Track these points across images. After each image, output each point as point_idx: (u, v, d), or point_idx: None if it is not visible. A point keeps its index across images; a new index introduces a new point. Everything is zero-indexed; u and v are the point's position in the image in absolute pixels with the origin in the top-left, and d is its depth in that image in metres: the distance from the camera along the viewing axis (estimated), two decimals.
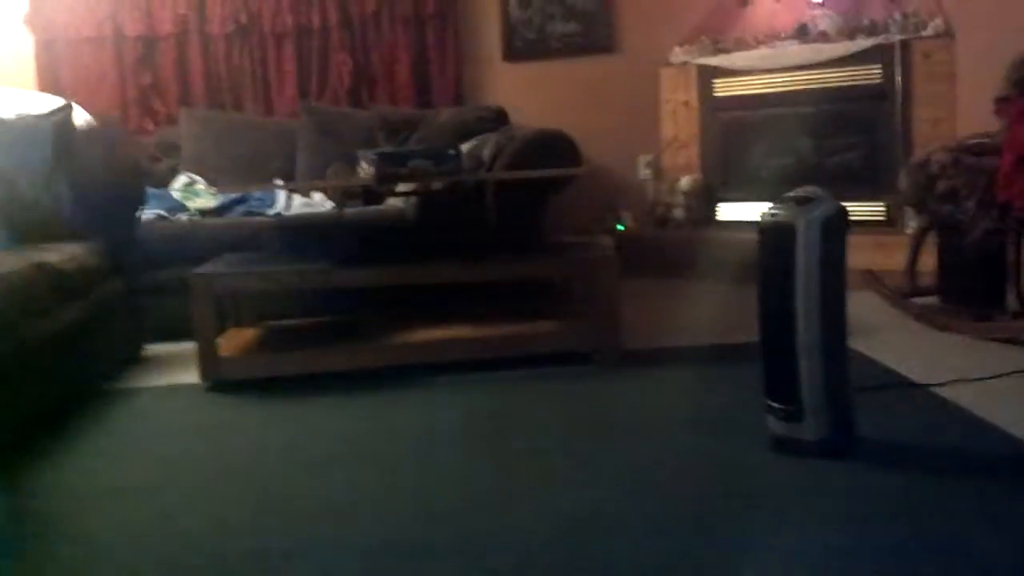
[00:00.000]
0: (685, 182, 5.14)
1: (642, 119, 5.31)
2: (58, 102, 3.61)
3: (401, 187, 3.81)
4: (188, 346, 3.15)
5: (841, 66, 4.73)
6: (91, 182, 3.44)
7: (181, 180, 4.47)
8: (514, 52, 5.47)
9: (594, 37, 5.44)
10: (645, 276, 4.47)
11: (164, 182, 4.48)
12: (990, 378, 2.77)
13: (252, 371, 3.17)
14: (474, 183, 3.64)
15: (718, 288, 4.14)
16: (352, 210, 4.09)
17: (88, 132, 4.35)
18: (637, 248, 4.69)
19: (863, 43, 4.67)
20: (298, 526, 1.99)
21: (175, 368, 3.38)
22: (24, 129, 3.44)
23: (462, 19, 5.41)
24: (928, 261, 3.78)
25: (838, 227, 2.21)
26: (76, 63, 5.12)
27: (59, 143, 3.47)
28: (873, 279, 3.92)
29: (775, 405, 2.25)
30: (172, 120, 5.05)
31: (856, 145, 4.79)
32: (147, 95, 5.20)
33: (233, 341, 3.38)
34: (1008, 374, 2.80)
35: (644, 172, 5.31)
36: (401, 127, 4.88)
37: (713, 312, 3.67)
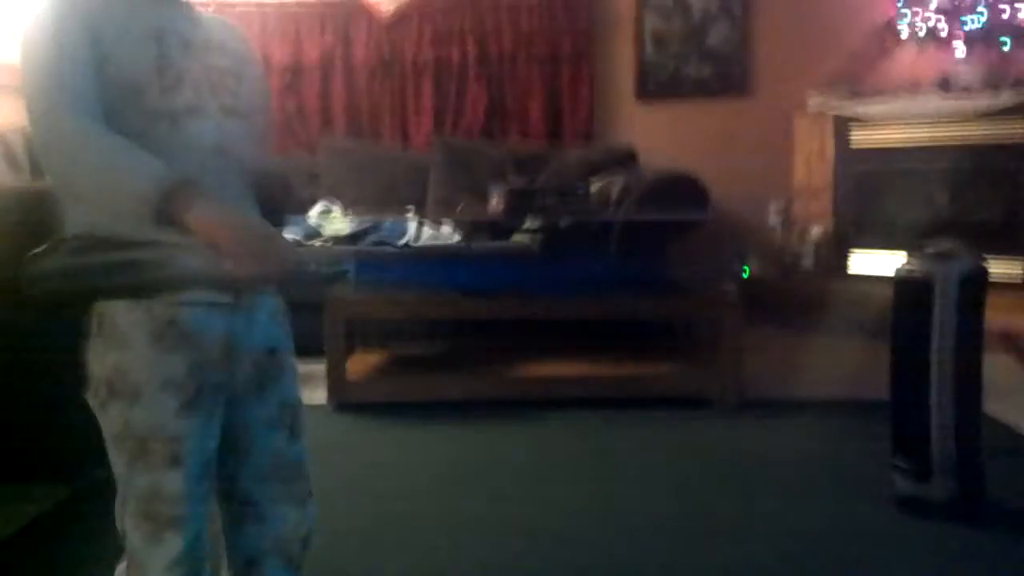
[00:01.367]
0: (815, 231, 5.06)
1: (775, 165, 5.25)
2: None
3: (529, 223, 3.86)
4: (317, 367, 3.25)
5: (983, 120, 4.61)
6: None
7: (318, 207, 4.60)
8: (647, 92, 5.48)
9: (728, 79, 5.41)
10: (770, 325, 4.40)
11: (302, 208, 4.61)
12: None
13: (376, 394, 3.25)
14: (601, 222, 3.67)
15: (846, 341, 4.05)
16: (480, 244, 4.15)
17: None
18: (763, 296, 4.63)
19: (1007, 98, 4.54)
20: (409, 549, 2.03)
21: (305, 387, 3.45)
22: None
23: (597, 59, 5.46)
24: None
25: (977, 284, 2.17)
26: None
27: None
28: (1009, 341, 3.79)
29: (903, 464, 2.20)
30: (312, 147, 5.21)
31: (996, 202, 4.65)
32: (291, 121, 5.38)
33: (360, 364, 3.46)
34: None
35: (774, 219, 5.25)
36: (531, 163, 4.94)
37: (839, 365, 3.59)
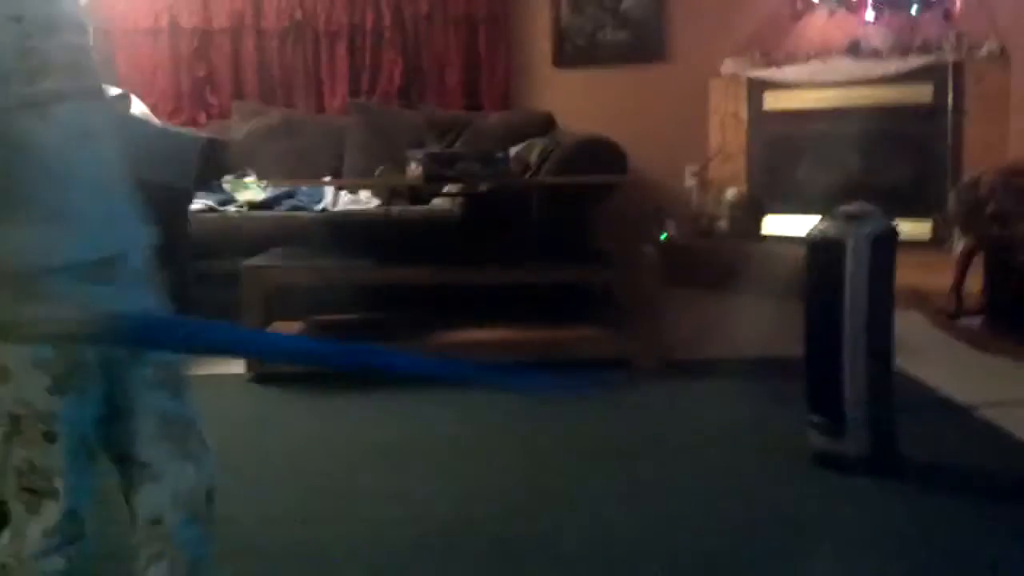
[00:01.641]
0: (731, 194, 5.12)
1: (690, 129, 5.30)
2: (115, 91, 3.67)
3: (448, 188, 3.84)
4: None
5: (892, 84, 4.71)
6: (144, 171, 3.49)
7: (232, 174, 4.53)
8: (564, 58, 5.48)
9: (645, 46, 5.43)
10: (689, 287, 4.46)
11: (215, 175, 4.53)
12: None
13: (295, 365, 3.20)
14: (520, 187, 3.66)
15: (762, 301, 4.12)
16: (398, 209, 4.13)
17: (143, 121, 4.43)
18: (681, 258, 4.68)
19: (915, 61, 4.64)
20: (337, 521, 2.02)
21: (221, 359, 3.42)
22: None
23: (514, 23, 5.43)
24: (974, 282, 3.75)
25: (888, 244, 2.21)
26: (132, 54, 5.19)
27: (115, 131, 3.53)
28: (919, 299, 3.90)
29: (818, 419, 2.25)
30: (225, 114, 5.11)
31: (905, 163, 4.76)
32: (201, 88, 5.26)
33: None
34: None
35: (690, 182, 5.30)
36: (449, 128, 4.91)
37: (756, 325, 3.65)
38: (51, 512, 1.26)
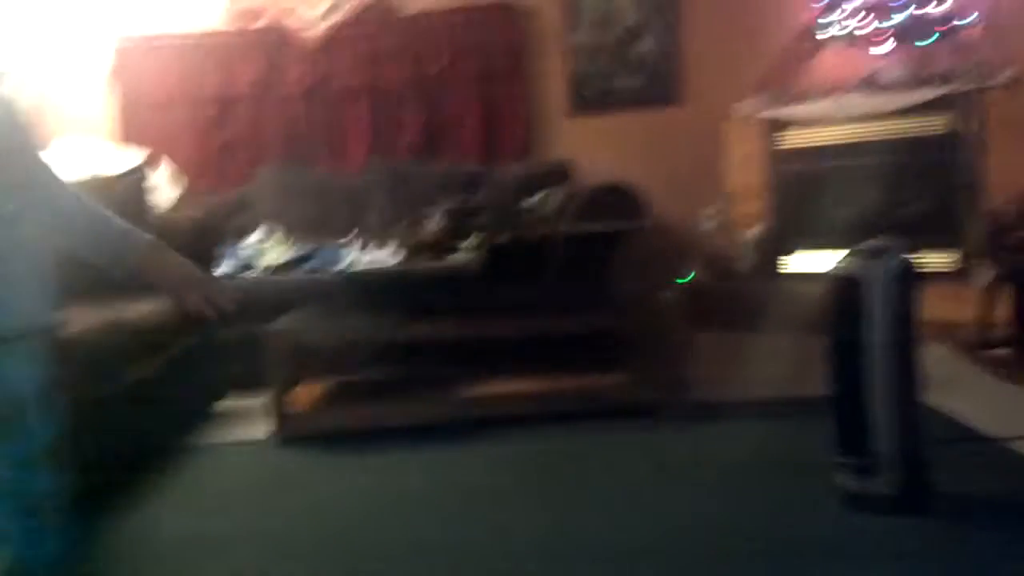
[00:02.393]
0: (751, 234, 5.11)
1: (707, 171, 5.30)
2: (138, 157, 3.72)
3: (467, 242, 3.85)
4: (258, 400, 3.21)
5: (909, 116, 4.70)
6: (168, 238, 3.53)
7: (255, 235, 4.57)
8: (580, 106, 5.51)
9: (659, 90, 5.46)
10: (713, 329, 4.44)
11: (240, 237, 4.57)
12: None
13: (322, 425, 3.21)
14: (539, 237, 3.67)
15: (786, 341, 4.09)
16: (421, 265, 4.14)
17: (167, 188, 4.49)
18: (704, 301, 4.66)
19: (931, 92, 4.63)
20: None
21: (247, 423, 3.43)
22: (102, 189, 3.55)
23: (529, 75, 5.48)
24: (1002, 313, 3.70)
25: (909, 279, 2.20)
26: (156, 122, 5.27)
27: (135, 203, 3.58)
28: (945, 332, 3.85)
29: (847, 460, 2.22)
30: (246, 179, 5.17)
31: (926, 195, 4.74)
32: (224, 153, 5.33)
33: (304, 396, 3.42)
34: None
35: (709, 224, 5.29)
36: (469, 182, 4.94)
37: (781, 365, 3.63)
38: None
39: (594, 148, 5.26)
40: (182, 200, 4.73)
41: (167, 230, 3.61)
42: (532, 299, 3.55)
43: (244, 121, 5.35)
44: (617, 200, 3.89)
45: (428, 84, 5.40)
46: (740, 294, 4.95)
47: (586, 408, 3.21)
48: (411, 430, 3.13)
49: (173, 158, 5.10)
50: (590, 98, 5.51)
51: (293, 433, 3.14)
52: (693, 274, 5.12)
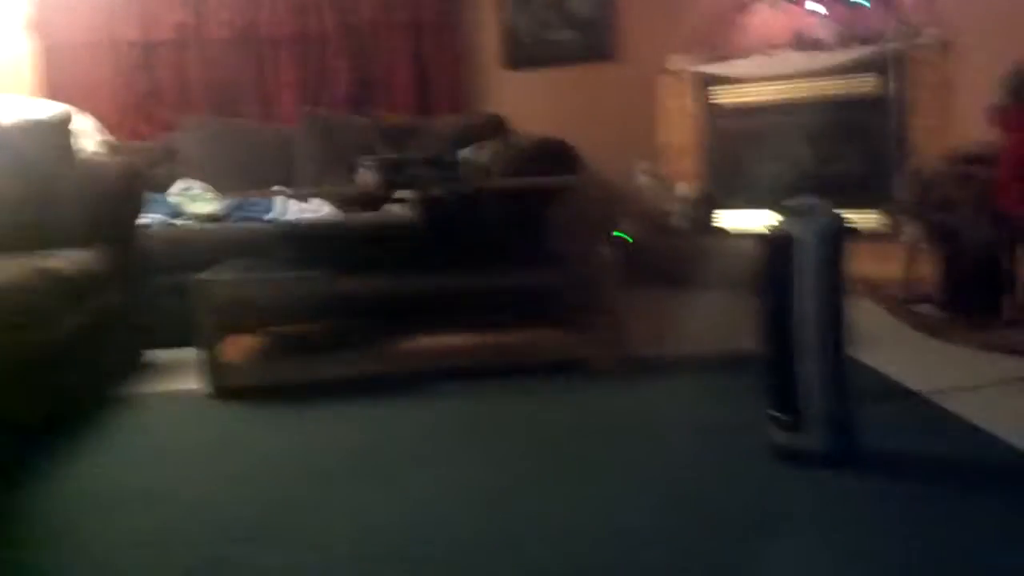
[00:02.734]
0: (683, 190, 5.15)
1: (640, 126, 5.32)
2: (59, 108, 3.61)
3: (401, 194, 3.82)
4: (189, 353, 3.16)
5: (839, 75, 4.76)
6: (93, 187, 3.45)
7: (179, 185, 4.48)
8: (513, 59, 5.48)
9: (593, 44, 5.45)
10: (645, 285, 4.48)
11: (163, 188, 4.48)
12: (987, 386, 2.79)
13: (254, 378, 3.18)
14: (474, 190, 3.65)
15: (718, 297, 4.15)
16: (352, 217, 4.10)
17: (89, 138, 4.37)
18: (637, 256, 4.69)
19: (860, 52, 4.69)
20: (300, 536, 1.99)
21: (176, 375, 3.38)
22: (25, 135, 3.44)
23: (460, 26, 5.42)
24: (925, 270, 3.79)
25: (838, 238, 2.23)
26: (77, 69, 5.12)
27: (60, 149, 3.48)
28: (872, 289, 3.94)
29: (776, 415, 2.26)
30: (171, 127, 5.05)
31: (853, 154, 4.81)
32: (146, 101, 5.20)
33: (235, 348, 3.38)
34: (1004, 382, 2.82)
35: (642, 179, 5.32)
36: (400, 134, 4.90)
37: (713, 321, 3.68)
38: None
39: (529, 101, 5.24)
40: (107, 147, 4.61)
41: (94, 175, 3.54)
42: (466, 253, 3.54)
43: (168, 68, 5.22)
44: (552, 154, 3.89)
45: (358, 33, 5.31)
46: (673, 250, 4.99)
47: (521, 363, 3.22)
48: (345, 384, 3.12)
49: (96, 106, 4.95)
50: (525, 51, 5.48)
51: (226, 385, 3.10)
52: (623, 232, 5.15)
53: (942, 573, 1.68)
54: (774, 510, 2.04)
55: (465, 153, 4.10)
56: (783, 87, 4.93)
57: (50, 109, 3.58)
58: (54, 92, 4.94)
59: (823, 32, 4.85)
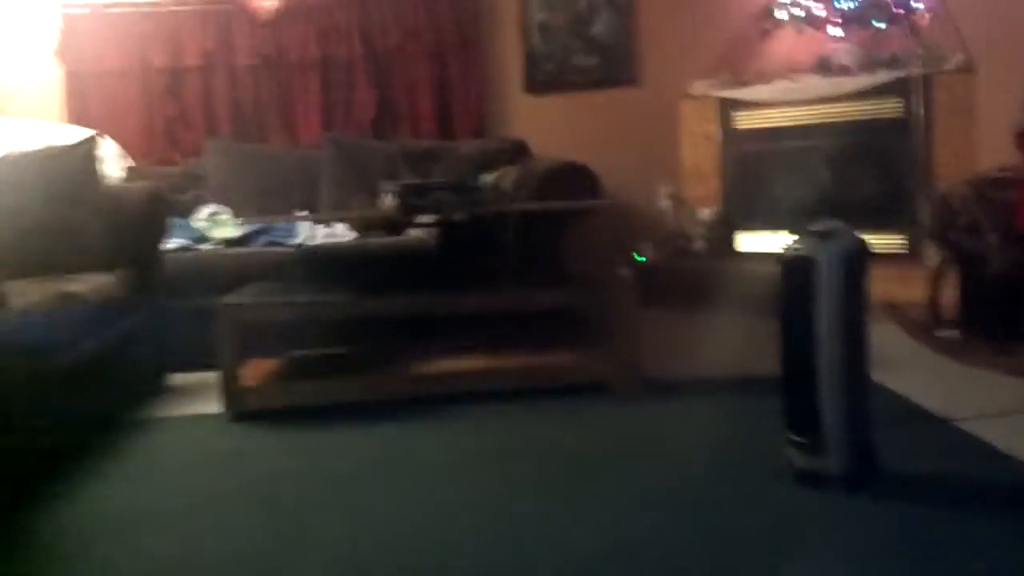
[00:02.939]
0: (705, 213, 5.14)
1: (662, 150, 5.32)
2: (84, 133, 3.66)
3: (423, 218, 3.84)
4: (211, 376, 3.18)
5: (861, 99, 4.75)
6: (117, 213, 3.48)
7: (205, 211, 4.51)
8: (536, 84, 5.51)
9: (615, 69, 5.47)
10: (665, 307, 4.47)
11: (188, 213, 4.52)
12: (1012, 413, 2.76)
13: (274, 401, 3.19)
14: (495, 215, 3.66)
15: (738, 320, 4.13)
16: (375, 241, 4.12)
17: (115, 163, 4.42)
18: (657, 279, 4.69)
19: (883, 76, 4.68)
20: (319, 556, 1.99)
21: (198, 398, 3.40)
22: (51, 160, 3.49)
23: (484, 52, 5.46)
24: (950, 294, 3.76)
25: (859, 261, 2.22)
26: (103, 95, 5.18)
27: (85, 174, 3.52)
28: (895, 312, 3.91)
29: (797, 438, 2.25)
30: (197, 151, 5.10)
31: (876, 177, 4.80)
32: (173, 126, 5.26)
33: (256, 371, 3.40)
34: None
35: (664, 203, 5.32)
36: (423, 159, 4.92)
37: (733, 344, 3.66)
38: None
39: (550, 126, 5.26)
40: (132, 172, 4.66)
41: (119, 201, 3.58)
42: (487, 277, 3.55)
43: (194, 93, 5.27)
44: (573, 178, 3.90)
45: (383, 58, 5.36)
46: (694, 273, 4.99)
47: (540, 385, 3.21)
48: (364, 407, 3.12)
49: (122, 131, 5.01)
50: (547, 76, 5.50)
51: (245, 408, 3.11)
52: (642, 256, 5.15)
53: None
54: (791, 532, 2.02)
55: (487, 178, 4.12)
56: (805, 111, 4.92)
57: (76, 134, 3.63)
58: (80, 118, 5.01)
59: (846, 57, 4.85)
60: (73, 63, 5.18)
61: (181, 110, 5.26)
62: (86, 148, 3.57)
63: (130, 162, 4.80)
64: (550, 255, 3.89)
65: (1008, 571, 1.77)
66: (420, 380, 3.29)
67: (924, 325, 3.80)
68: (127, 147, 4.90)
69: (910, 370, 3.33)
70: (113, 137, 4.76)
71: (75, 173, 3.49)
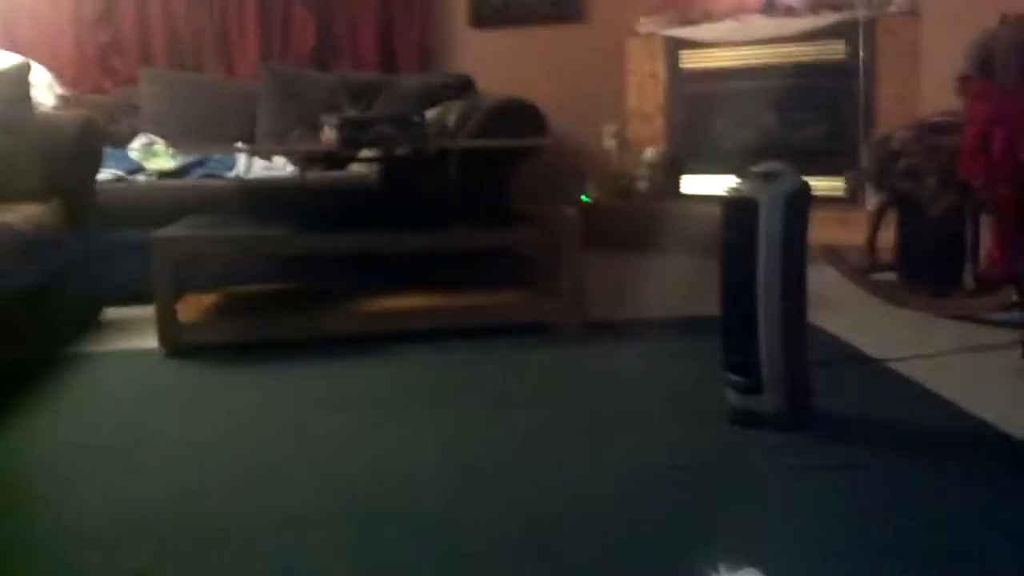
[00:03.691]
0: (650, 154, 5.14)
1: (608, 90, 5.29)
2: (15, 59, 3.53)
3: (364, 153, 3.78)
4: (147, 310, 3.12)
5: (806, 41, 4.74)
6: (49, 142, 3.38)
7: (140, 140, 4.41)
8: (481, 19, 5.42)
9: (562, 5, 5.40)
10: (609, 248, 4.48)
11: (122, 143, 4.41)
12: (946, 354, 2.82)
13: (211, 336, 3.14)
14: (438, 151, 3.62)
15: (681, 261, 4.15)
16: (314, 175, 4.06)
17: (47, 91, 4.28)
18: (601, 220, 4.69)
19: (828, 18, 4.67)
20: (254, 494, 1.98)
21: (134, 333, 3.34)
22: None
23: None
24: (888, 237, 3.81)
25: (801, 203, 2.23)
26: (34, 20, 5.00)
27: (17, 101, 3.40)
28: (833, 254, 3.95)
29: (734, 378, 2.27)
30: (132, 80, 4.96)
31: (819, 120, 4.82)
32: (106, 54, 5.10)
33: (192, 306, 3.35)
34: (963, 351, 2.85)
35: (609, 143, 5.30)
36: (365, 91, 4.84)
37: (676, 285, 3.69)
38: None
39: (496, 62, 5.19)
40: (64, 101, 4.52)
41: (51, 129, 3.46)
42: (429, 214, 3.52)
43: (129, 20, 5.10)
44: (518, 116, 3.86)
45: None
46: (638, 214, 5.00)
47: (484, 324, 3.21)
48: (304, 345, 3.09)
49: (53, 58, 4.85)
50: (493, 10, 5.42)
51: (181, 343, 3.07)
52: (586, 195, 5.14)
53: (885, 531, 1.69)
54: (727, 468, 2.05)
55: (430, 113, 4.06)
56: (752, 52, 4.91)
57: (7, 61, 3.49)
58: (9, 44, 4.83)
59: None
60: None
61: (115, 37, 5.09)
62: (17, 74, 3.44)
63: (62, 90, 4.65)
64: (494, 193, 3.87)
65: (937, 504, 1.81)
66: (360, 318, 3.26)
67: (861, 268, 3.85)
68: (59, 75, 4.74)
69: (847, 312, 3.39)
70: (44, 64, 4.60)
71: (5, 99, 3.36)
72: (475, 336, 3.15)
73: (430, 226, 3.26)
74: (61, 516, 1.89)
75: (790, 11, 4.81)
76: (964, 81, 3.40)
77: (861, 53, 4.59)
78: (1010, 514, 1.77)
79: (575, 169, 5.20)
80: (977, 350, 2.86)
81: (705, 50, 5.06)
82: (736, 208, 2.24)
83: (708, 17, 5.07)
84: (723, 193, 2.30)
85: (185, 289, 3.37)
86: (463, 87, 4.75)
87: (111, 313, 3.60)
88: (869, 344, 2.94)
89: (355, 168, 4.20)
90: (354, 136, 3.36)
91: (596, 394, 2.63)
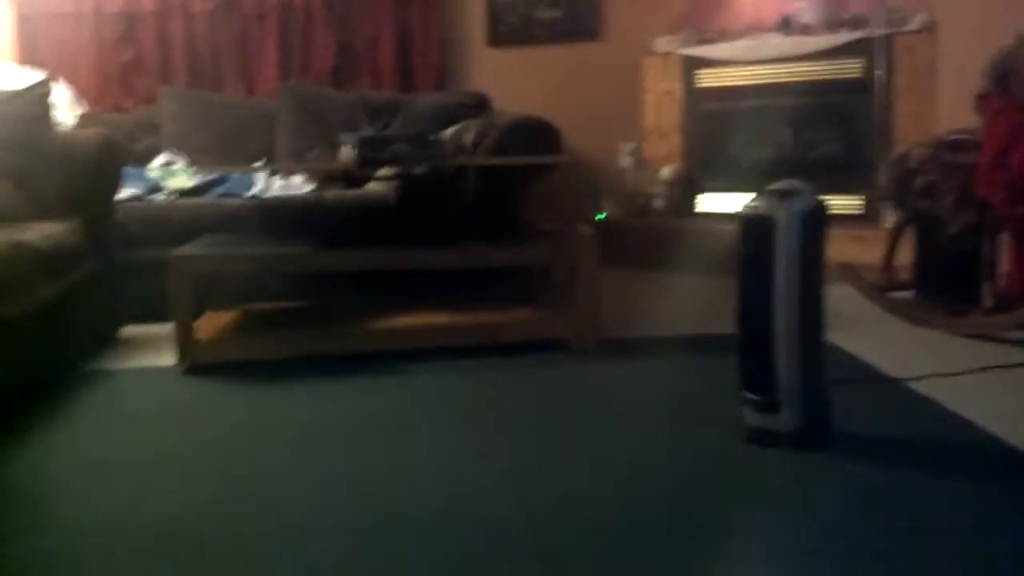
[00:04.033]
0: (666, 172, 5.14)
1: (624, 108, 5.31)
2: (37, 77, 3.57)
3: (382, 172, 3.80)
4: (165, 328, 3.14)
5: (823, 59, 4.74)
6: (69, 160, 3.41)
7: (159, 159, 4.44)
8: (498, 37, 5.45)
9: (579, 24, 5.42)
10: (625, 266, 4.48)
11: (143, 161, 4.44)
12: (963, 373, 2.80)
13: (228, 354, 3.16)
14: (455, 169, 3.63)
15: (698, 279, 4.15)
16: (333, 193, 4.07)
17: (67, 109, 4.32)
18: (617, 237, 4.69)
19: (845, 36, 4.67)
20: (270, 509, 1.98)
21: (151, 350, 3.35)
22: (2, 105, 3.40)
23: (446, 2, 5.38)
24: (905, 256, 3.79)
25: (818, 221, 2.23)
26: (56, 39, 5.06)
27: (38, 120, 3.44)
28: (850, 272, 3.94)
29: (751, 396, 2.26)
30: (152, 99, 5.00)
31: (836, 138, 4.81)
32: (127, 73, 5.15)
33: (210, 324, 3.36)
34: (981, 370, 2.83)
35: (625, 160, 5.31)
36: (383, 110, 4.86)
37: (692, 303, 3.68)
38: None
39: (512, 80, 5.21)
40: (85, 119, 4.56)
41: (71, 148, 3.50)
42: (446, 231, 3.52)
43: (149, 39, 5.16)
44: (534, 133, 3.87)
45: (342, 7, 5.27)
46: (654, 232, 4.99)
47: (499, 342, 3.21)
48: (321, 362, 3.10)
49: (75, 76, 4.90)
50: (509, 29, 5.45)
51: (198, 361, 3.08)
52: (603, 212, 5.15)
53: (904, 551, 1.68)
54: (744, 487, 2.04)
55: (447, 131, 4.08)
56: (768, 70, 4.91)
57: (29, 78, 3.53)
58: (32, 63, 4.88)
59: (808, 16, 4.84)
60: (25, 5, 5.05)
61: (135, 56, 5.15)
62: (39, 92, 3.48)
63: (83, 108, 4.70)
64: (510, 211, 3.87)
65: (957, 527, 1.79)
66: (376, 336, 3.27)
67: (879, 286, 3.83)
68: (80, 93, 4.79)
69: (864, 331, 3.37)
70: (65, 82, 4.65)
71: (27, 118, 3.40)
72: (491, 353, 3.15)
73: (447, 243, 3.27)
74: (79, 532, 1.90)
75: (806, 29, 4.81)
76: (982, 99, 3.40)
77: (878, 71, 4.58)
78: None
79: (591, 187, 5.20)
80: (996, 369, 2.85)
81: (722, 68, 5.06)
82: (753, 226, 2.24)
83: (724, 36, 5.08)
84: (740, 211, 2.29)
85: (204, 307, 3.38)
86: (479, 106, 4.77)
87: (129, 331, 3.62)
88: (886, 363, 2.93)
89: (373, 186, 4.22)
90: (372, 155, 3.38)
91: (610, 412, 2.62)
